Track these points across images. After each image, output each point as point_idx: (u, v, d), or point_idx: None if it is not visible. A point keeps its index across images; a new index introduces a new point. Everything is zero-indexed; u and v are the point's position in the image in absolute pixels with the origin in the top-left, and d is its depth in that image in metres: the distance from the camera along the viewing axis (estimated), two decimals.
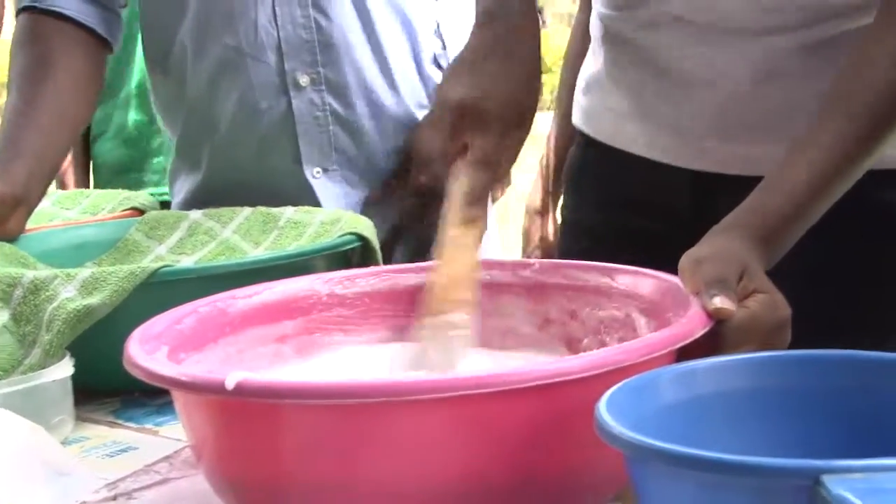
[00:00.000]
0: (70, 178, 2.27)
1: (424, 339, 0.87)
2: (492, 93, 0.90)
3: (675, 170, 1.06)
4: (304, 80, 1.35)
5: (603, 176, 1.15)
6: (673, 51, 1.04)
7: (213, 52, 1.36)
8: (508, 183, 0.92)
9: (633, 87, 1.09)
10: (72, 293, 0.95)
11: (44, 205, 1.38)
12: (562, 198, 1.27)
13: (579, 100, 1.18)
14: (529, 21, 0.93)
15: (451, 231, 0.90)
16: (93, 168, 2.20)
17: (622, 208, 1.13)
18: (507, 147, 0.91)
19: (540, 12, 0.98)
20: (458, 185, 0.90)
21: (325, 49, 1.35)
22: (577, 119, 1.18)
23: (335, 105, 1.36)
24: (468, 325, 0.87)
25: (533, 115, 0.93)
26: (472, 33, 0.94)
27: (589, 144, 1.16)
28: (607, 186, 1.15)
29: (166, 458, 0.86)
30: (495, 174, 0.91)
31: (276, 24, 1.34)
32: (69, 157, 2.19)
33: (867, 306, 1.01)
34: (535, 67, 0.92)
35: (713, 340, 0.73)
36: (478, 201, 0.90)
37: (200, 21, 1.36)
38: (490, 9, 0.94)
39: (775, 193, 0.83)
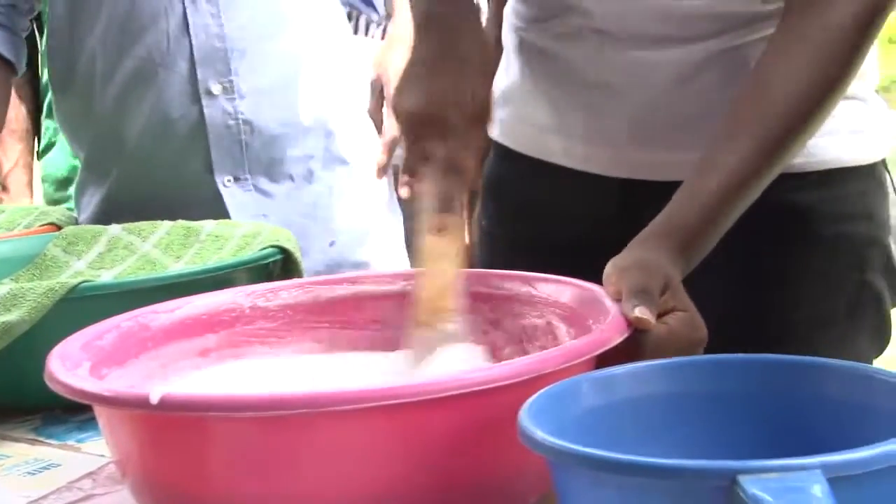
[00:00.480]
0: (14, 182, 2.24)
1: (417, 351, 0.86)
2: (447, 97, 0.89)
3: (596, 178, 1.08)
4: (216, 88, 1.35)
5: (522, 186, 1.16)
6: (588, 61, 1.05)
7: (123, 63, 1.35)
8: (477, 186, 0.91)
9: (549, 97, 1.10)
10: None
11: None
12: (478, 207, 1.27)
13: (497, 111, 1.19)
14: (471, 17, 0.93)
15: (428, 241, 0.89)
16: (41, 178, 2.18)
17: (543, 218, 1.13)
18: (473, 149, 0.90)
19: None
20: (428, 194, 0.89)
21: (237, 57, 1.36)
22: (493, 132, 1.19)
23: (247, 113, 1.36)
24: (459, 332, 0.86)
25: (491, 110, 0.93)
26: (416, 39, 0.93)
27: (506, 156, 1.17)
28: (527, 197, 1.15)
29: (89, 474, 0.85)
30: (464, 178, 0.89)
31: (189, 33, 1.34)
32: (15, 161, 2.18)
33: (778, 306, 1.03)
34: (485, 64, 0.92)
35: (632, 350, 0.75)
36: (450, 208, 0.89)
37: (111, 33, 1.35)
38: (429, 11, 0.93)
39: (689, 206, 0.85)
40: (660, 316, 0.77)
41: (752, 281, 1.03)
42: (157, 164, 1.37)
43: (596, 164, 1.08)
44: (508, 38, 1.15)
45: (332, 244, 1.45)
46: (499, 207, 1.19)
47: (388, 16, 2.34)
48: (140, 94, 1.36)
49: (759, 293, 0.98)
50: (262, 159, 1.38)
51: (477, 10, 0.94)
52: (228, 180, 1.37)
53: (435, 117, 0.89)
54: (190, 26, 1.34)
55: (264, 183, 1.39)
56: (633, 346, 0.75)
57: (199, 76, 1.35)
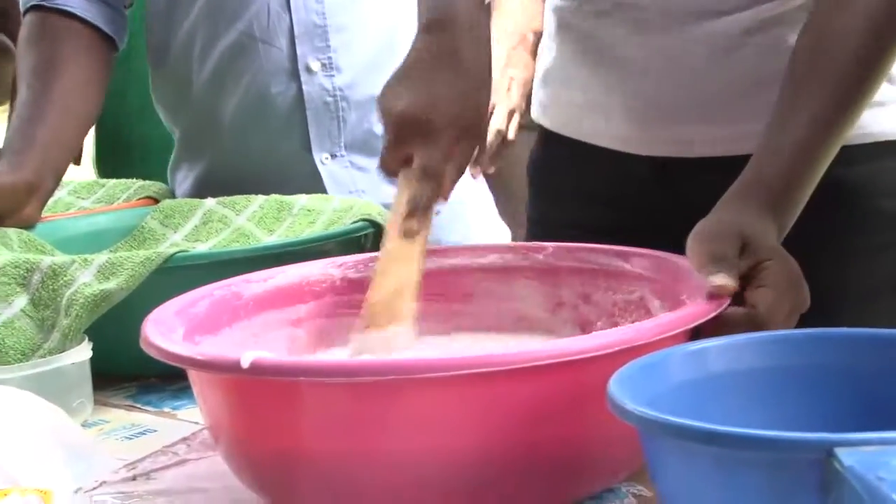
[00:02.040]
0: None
1: (355, 349, 0.85)
2: (438, 103, 0.87)
3: (632, 158, 1.06)
4: (315, 65, 1.36)
5: (562, 168, 1.15)
6: (622, 38, 1.04)
7: (223, 38, 1.36)
8: (445, 198, 0.88)
9: (585, 77, 1.09)
10: (89, 278, 0.96)
11: (60, 194, 1.39)
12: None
13: (537, 93, 1.18)
14: (478, 28, 0.91)
15: (389, 244, 0.88)
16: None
17: (584, 201, 1.12)
18: (455, 159, 0.88)
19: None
20: (400, 196, 0.88)
21: (336, 33, 1.36)
22: (535, 112, 1.18)
23: (345, 90, 1.37)
24: (406, 338, 0.85)
25: (483, 126, 0.91)
26: (417, 39, 0.91)
27: (548, 138, 1.15)
28: (570, 180, 1.14)
29: (184, 439, 0.87)
30: (439, 186, 0.88)
31: (289, 9, 1.35)
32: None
33: (828, 280, 1.01)
34: (483, 77, 0.90)
35: (746, 323, 0.73)
36: (420, 213, 0.87)
37: (212, 7, 1.36)
38: (435, 15, 0.91)
39: (772, 160, 0.84)
40: (750, 273, 0.76)
41: (802, 256, 1.01)
42: (253, 141, 1.38)
43: (631, 143, 1.06)
44: (549, 18, 1.14)
45: (437, 213, 1.44)
46: (541, 191, 1.18)
47: None
48: (239, 71, 1.36)
49: (809, 269, 0.96)
50: (357, 135, 1.39)
51: (485, 15, 0.92)
52: (326, 157, 1.38)
53: (421, 122, 0.87)
54: (291, 2, 1.35)
55: (360, 159, 1.39)
56: (750, 317, 0.74)
57: (298, 52, 1.35)
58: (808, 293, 0.79)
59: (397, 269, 0.87)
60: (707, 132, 1.01)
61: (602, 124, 1.08)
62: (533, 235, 1.19)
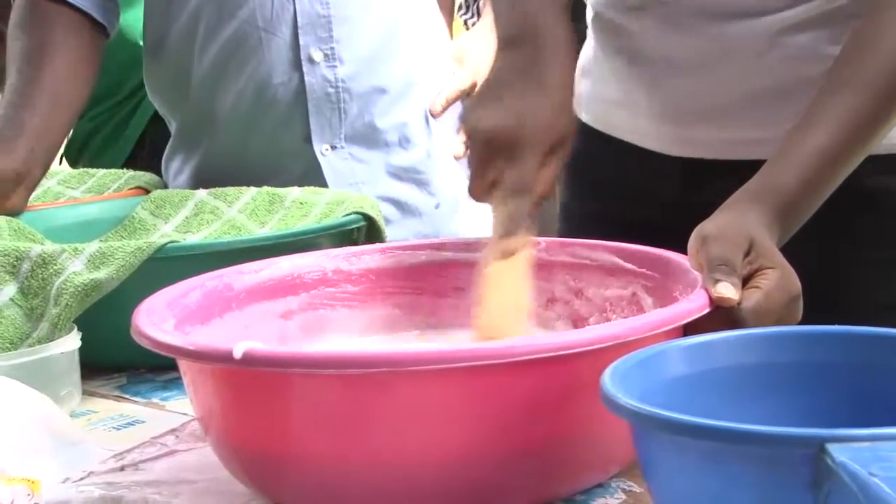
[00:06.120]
0: None
1: None
2: (526, 120, 0.85)
3: (662, 157, 1.06)
4: (317, 55, 1.35)
5: (596, 163, 1.14)
6: (653, 35, 1.03)
7: (225, 28, 1.35)
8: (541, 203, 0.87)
9: (617, 72, 1.08)
10: (79, 267, 0.95)
11: (49, 184, 1.38)
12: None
13: (577, 84, 1.18)
14: (559, 42, 0.89)
15: (493, 267, 0.85)
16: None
17: (612, 195, 1.12)
18: (545, 173, 0.87)
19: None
20: (494, 219, 0.86)
21: (339, 23, 1.35)
22: (575, 104, 1.18)
23: (347, 81, 1.36)
24: None
25: (570, 139, 0.89)
26: (497, 56, 0.90)
27: (582, 131, 1.15)
28: (599, 173, 1.14)
29: (173, 430, 0.86)
30: (530, 199, 0.86)
31: None
32: None
33: (850, 290, 1.01)
34: (567, 89, 0.88)
35: (730, 316, 0.73)
36: (518, 230, 0.85)
37: None
38: (515, 31, 0.89)
39: (787, 165, 0.83)
40: (749, 278, 0.76)
41: (824, 264, 1.01)
42: (253, 132, 1.37)
43: (658, 141, 1.06)
44: (589, 13, 1.14)
45: (437, 206, 1.45)
46: (575, 182, 1.18)
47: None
48: (240, 61, 1.35)
49: (830, 278, 0.95)
50: (357, 127, 1.38)
51: (564, 26, 0.90)
52: (326, 149, 1.37)
53: (507, 141, 0.85)
54: None
55: (359, 151, 1.39)
56: (732, 312, 0.73)
57: (301, 42, 1.35)
58: (800, 313, 0.77)
59: (504, 291, 0.85)
60: (733, 135, 1.01)
61: (631, 120, 1.08)
62: (564, 223, 1.18)
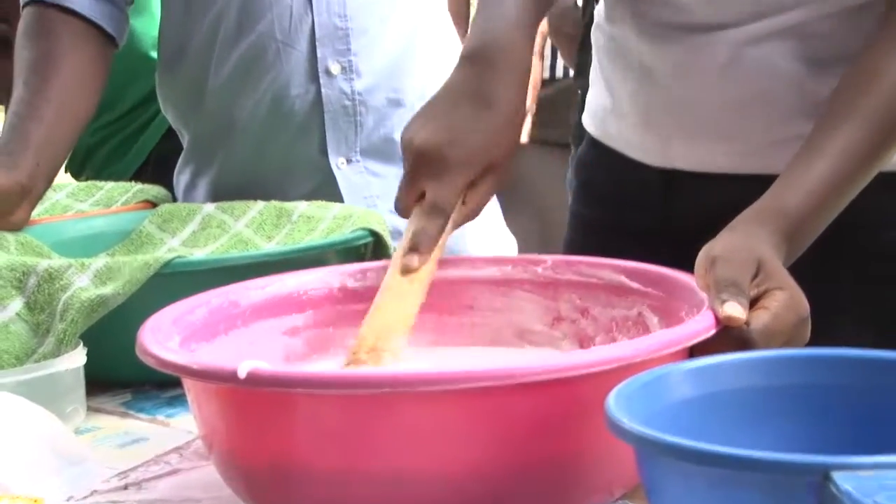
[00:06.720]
0: None
1: None
2: (459, 139, 0.85)
3: (646, 167, 1.06)
4: (335, 68, 1.35)
5: (596, 171, 1.15)
6: (636, 46, 1.04)
7: (243, 40, 1.35)
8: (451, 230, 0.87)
9: (610, 82, 1.09)
10: (86, 283, 0.96)
11: (57, 197, 1.39)
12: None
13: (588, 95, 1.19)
14: (516, 64, 0.89)
15: (390, 280, 0.86)
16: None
17: (614, 206, 1.12)
18: (474, 195, 0.87)
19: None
20: (406, 231, 0.86)
21: (357, 36, 1.35)
22: (584, 114, 1.19)
23: (364, 94, 1.36)
24: None
25: (507, 163, 0.88)
26: (453, 72, 0.90)
27: (587, 138, 1.16)
28: (600, 182, 1.14)
29: (177, 448, 0.86)
30: (446, 224, 0.86)
31: (312, 11, 1.34)
32: None
33: (863, 303, 1.01)
34: (511, 114, 0.87)
35: (739, 339, 0.72)
36: (424, 249, 0.85)
37: (233, 7, 1.35)
38: (474, 49, 0.89)
39: (794, 189, 0.83)
40: (757, 300, 0.75)
41: (826, 289, 1.00)
42: (269, 144, 1.37)
43: (641, 151, 1.06)
44: (595, 22, 1.14)
45: None
46: (582, 189, 1.18)
47: None
48: (257, 73, 1.35)
49: (833, 301, 0.94)
50: (374, 140, 1.38)
51: (527, 50, 0.90)
52: (342, 162, 1.37)
53: (434, 158, 0.85)
54: (313, 3, 1.34)
55: (375, 165, 1.39)
56: (740, 333, 0.73)
57: (319, 55, 1.34)
58: (808, 334, 0.77)
59: (393, 305, 0.85)
60: (704, 147, 1.01)
61: (620, 129, 1.08)
62: (571, 231, 1.19)
